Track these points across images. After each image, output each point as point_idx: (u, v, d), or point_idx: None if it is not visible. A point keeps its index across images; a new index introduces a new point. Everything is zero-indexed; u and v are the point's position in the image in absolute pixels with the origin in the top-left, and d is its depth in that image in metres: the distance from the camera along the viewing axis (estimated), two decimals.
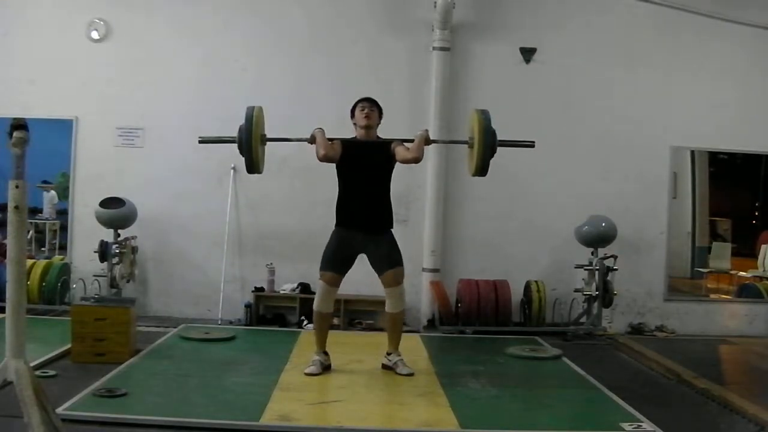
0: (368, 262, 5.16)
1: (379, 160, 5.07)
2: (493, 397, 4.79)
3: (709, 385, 5.13)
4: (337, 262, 5.05)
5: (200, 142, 5.23)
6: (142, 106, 7.41)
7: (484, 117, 4.86)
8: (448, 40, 7.36)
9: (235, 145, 4.87)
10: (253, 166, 4.90)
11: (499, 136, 7.66)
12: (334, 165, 5.06)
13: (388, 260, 5.08)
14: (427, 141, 5.12)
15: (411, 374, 5.07)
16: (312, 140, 5.02)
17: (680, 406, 4.83)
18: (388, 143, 5.11)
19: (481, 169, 4.92)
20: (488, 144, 4.83)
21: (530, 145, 5.22)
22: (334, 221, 5.13)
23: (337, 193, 5.15)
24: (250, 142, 4.79)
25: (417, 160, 5.03)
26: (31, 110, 6.52)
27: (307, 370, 4.98)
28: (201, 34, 7.45)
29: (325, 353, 5.16)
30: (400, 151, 5.04)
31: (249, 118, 4.82)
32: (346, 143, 5.08)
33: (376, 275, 5.15)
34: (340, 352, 5.51)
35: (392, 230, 5.19)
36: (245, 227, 7.49)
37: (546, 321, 7.17)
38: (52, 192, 7.61)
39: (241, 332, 6.69)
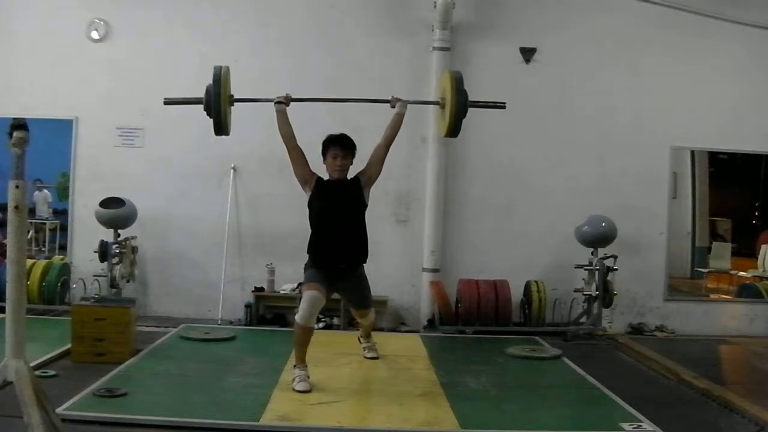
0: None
1: (352, 200, 4.92)
2: (493, 397, 4.80)
3: (709, 385, 5.13)
4: (322, 281, 4.82)
5: (165, 103, 5.12)
6: (142, 106, 7.41)
7: (457, 78, 4.92)
8: (448, 40, 7.35)
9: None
10: (222, 127, 4.83)
11: (500, 136, 7.70)
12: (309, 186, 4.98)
13: (363, 303, 5.32)
14: (400, 103, 5.15)
15: (375, 358, 5.57)
16: (278, 103, 4.98)
17: (680, 406, 4.83)
18: (358, 180, 4.97)
19: (453, 130, 5.00)
20: (461, 104, 4.86)
21: (501, 106, 5.29)
22: (306, 262, 4.96)
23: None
24: (219, 104, 4.70)
25: (394, 135, 5.11)
26: (31, 110, 6.51)
27: (299, 387, 4.60)
28: (201, 34, 7.45)
29: (306, 366, 4.80)
30: (374, 158, 5.01)
31: (217, 79, 4.72)
32: (318, 181, 4.96)
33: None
34: (340, 352, 5.51)
35: (363, 271, 5.15)
36: (245, 227, 7.49)
37: (546, 321, 7.17)
38: (45, 191, 7.60)
39: (241, 332, 6.69)
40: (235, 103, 5.21)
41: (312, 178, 4.96)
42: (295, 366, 4.77)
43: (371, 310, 5.47)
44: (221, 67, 4.83)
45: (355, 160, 5.04)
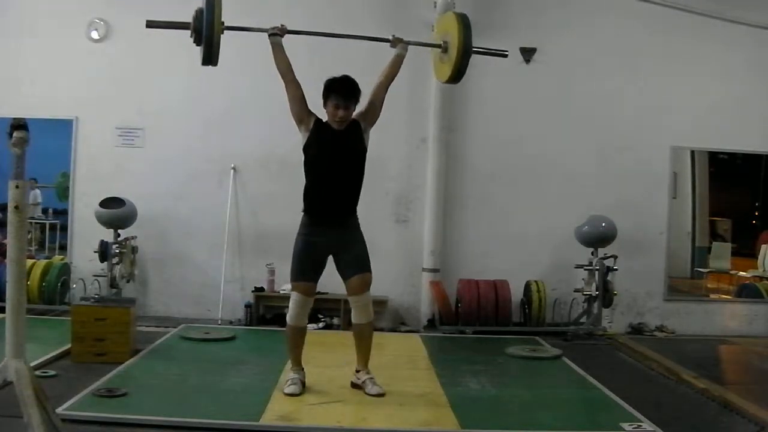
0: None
1: (353, 146, 4.60)
2: (493, 397, 4.80)
3: (709, 385, 5.13)
4: (309, 269, 4.64)
5: (148, 25, 4.61)
6: (142, 106, 7.41)
7: (464, 20, 4.61)
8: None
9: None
10: (213, 57, 4.38)
11: (500, 135, 7.65)
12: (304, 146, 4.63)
13: (356, 264, 4.60)
14: (401, 44, 4.78)
15: (381, 394, 4.54)
16: (273, 35, 4.73)
17: (680, 406, 4.82)
18: (358, 124, 4.62)
19: (458, 75, 4.69)
20: (468, 48, 4.56)
21: (504, 54, 5.10)
22: (303, 208, 4.71)
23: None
24: (212, 32, 4.25)
25: (394, 75, 4.74)
26: (31, 110, 6.51)
27: (288, 390, 4.52)
28: None
29: (302, 369, 4.71)
30: (375, 100, 4.65)
31: (210, 4, 4.26)
32: (317, 124, 4.59)
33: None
34: (340, 352, 5.50)
35: (359, 227, 4.71)
36: (245, 227, 7.49)
37: (546, 321, 7.17)
38: (36, 190, 7.58)
39: (241, 332, 6.69)
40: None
41: (310, 119, 4.58)
42: (291, 369, 4.72)
43: (366, 281, 4.62)
44: None
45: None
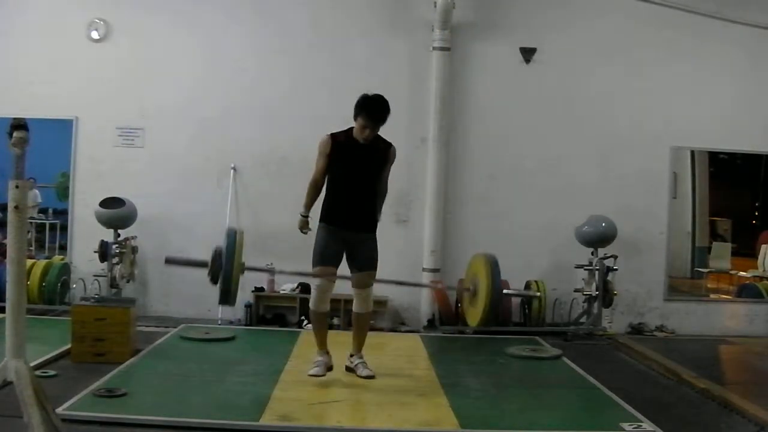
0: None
1: (375, 162, 4.90)
2: (493, 397, 4.80)
3: (709, 385, 5.13)
4: (330, 255, 4.87)
5: (167, 262, 4.70)
6: (142, 106, 7.42)
7: (493, 263, 4.62)
8: (448, 40, 7.35)
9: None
10: (230, 299, 4.36)
11: (500, 135, 7.61)
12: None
13: (368, 262, 4.92)
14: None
15: (371, 377, 4.92)
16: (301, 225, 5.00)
17: (680, 406, 4.82)
18: (386, 151, 4.93)
19: (486, 321, 4.76)
20: (497, 295, 4.59)
21: (536, 296, 5.41)
22: (320, 217, 4.94)
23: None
24: (231, 273, 4.21)
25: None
26: (31, 110, 6.51)
27: (312, 372, 4.81)
28: (201, 34, 7.46)
29: (328, 353, 5.00)
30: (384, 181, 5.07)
31: (231, 245, 4.24)
32: (336, 145, 4.83)
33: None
34: (341, 352, 5.50)
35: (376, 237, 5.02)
36: (245, 227, 7.43)
37: (546, 321, 7.17)
38: (35, 191, 7.57)
39: (241, 332, 6.69)
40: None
41: (328, 149, 4.85)
42: (317, 351, 4.98)
43: (372, 277, 4.93)
44: (235, 231, 4.44)
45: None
